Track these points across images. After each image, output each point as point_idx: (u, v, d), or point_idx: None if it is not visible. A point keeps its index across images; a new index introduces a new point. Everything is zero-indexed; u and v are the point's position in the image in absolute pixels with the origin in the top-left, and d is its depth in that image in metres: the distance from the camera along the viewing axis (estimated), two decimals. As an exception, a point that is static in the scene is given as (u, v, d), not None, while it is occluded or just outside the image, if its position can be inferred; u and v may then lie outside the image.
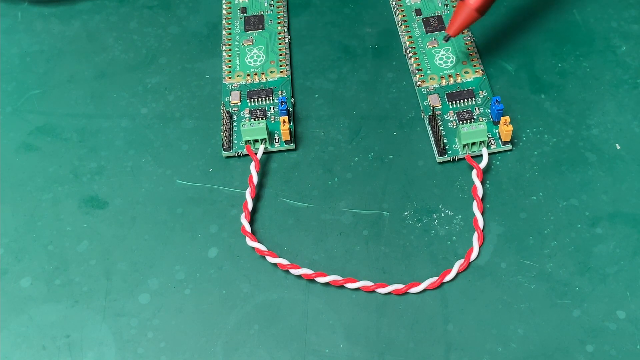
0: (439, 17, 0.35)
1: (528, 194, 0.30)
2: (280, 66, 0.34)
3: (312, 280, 0.28)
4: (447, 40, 0.32)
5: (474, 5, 0.30)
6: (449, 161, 0.31)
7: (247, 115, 0.33)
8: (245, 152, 0.31)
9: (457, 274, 0.28)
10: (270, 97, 0.33)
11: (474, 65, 0.33)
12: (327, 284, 0.28)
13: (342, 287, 0.28)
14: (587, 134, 0.31)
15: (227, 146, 0.32)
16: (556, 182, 0.30)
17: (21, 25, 0.38)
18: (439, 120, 0.32)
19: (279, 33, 0.36)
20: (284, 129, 0.31)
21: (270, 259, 0.28)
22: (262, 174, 0.31)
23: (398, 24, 0.36)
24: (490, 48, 0.35)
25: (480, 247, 0.28)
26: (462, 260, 0.28)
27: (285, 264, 0.28)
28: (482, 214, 0.29)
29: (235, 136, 0.32)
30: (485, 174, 0.30)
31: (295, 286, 0.28)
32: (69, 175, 0.32)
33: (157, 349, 0.27)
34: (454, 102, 0.32)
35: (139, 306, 0.28)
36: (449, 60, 0.34)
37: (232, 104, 0.33)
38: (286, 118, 0.31)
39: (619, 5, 0.36)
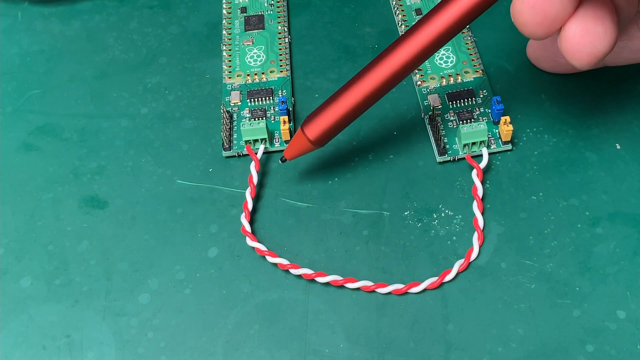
0: (439, 17, 0.35)
1: (528, 193, 0.30)
2: (281, 66, 0.34)
3: (312, 280, 0.28)
4: (283, 162, 0.30)
5: (311, 138, 0.28)
6: (449, 161, 0.31)
7: (247, 115, 0.33)
8: (245, 152, 0.31)
9: (457, 273, 0.28)
10: (271, 97, 0.33)
11: (474, 65, 0.33)
12: (327, 283, 0.28)
13: (342, 287, 0.28)
14: (587, 134, 0.31)
15: (227, 146, 0.32)
16: (556, 182, 0.30)
17: (21, 25, 0.38)
18: (439, 120, 0.32)
19: (279, 33, 0.36)
20: (284, 128, 0.31)
21: (270, 259, 0.28)
22: (262, 173, 0.31)
23: (398, 24, 0.36)
24: (490, 48, 0.35)
25: (480, 247, 0.28)
26: (462, 260, 0.28)
27: (286, 263, 0.28)
28: (482, 213, 0.29)
29: (235, 136, 0.32)
30: (485, 173, 0.30)
31: (295, 286, 0.28)
32: (69, 175, 0.32)
33: (157, 348, 0.27)
34: (454, 102, 0.32)
35: (139, 306, 0.28)
36: (450, 60, 0.34)
37: (232, 104, 0.33)
38: (286, 118, 0.31)
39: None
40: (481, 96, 0.32)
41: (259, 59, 0.35)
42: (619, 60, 0.30)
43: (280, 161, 0.30)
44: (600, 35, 0.24)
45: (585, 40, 0.24)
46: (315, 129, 0.28)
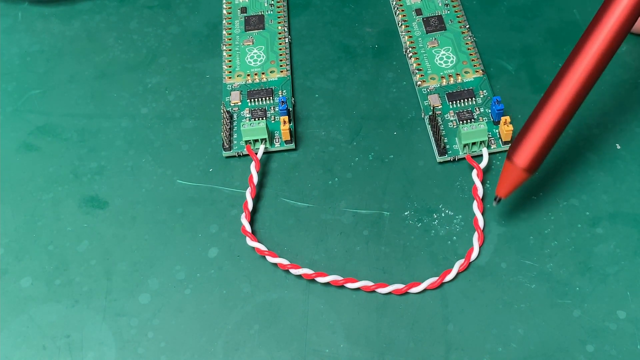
0: (439, 17, 0.35)
1: (528, 193, 0.30)
2: (281, 66, 0.34)
3: (313, 280, 0.28)
4: (497, 202, 0.28)
5: (522, 166, 0.27)
6: (449, 161, 0.31)
7: (247, 115, 0.33)
8: (245, 152, 0.31)
9: (458, 274, 0.28)
10: (271, 97, 0.33)
11: (474, 65, 0.33)
12: (327, 283, 0.28)
13: (342, 287, 0.28)
14: (587, 134, 0.31)
15: (227, 146, 0.32)
16: (556, 182, 0.30)
17: (21, 25, 0.38)
18: (439, 120, 0.32)
19: (279, 33, 0.36)
20: (284, 129, 0.31)
21: (270, 259, 0.28)
22: (262, 174, 0.31)
23: (398, 24, 0.36)
24: (490, 48, 0.35)
25: (480, 247, 0.28)
26: (462, 260, 0.28)
27: (286, 264, 0.28)
28: (483, 213, 0.29)
29: (235, 136, 0.32)
30: (485, 173, 0.30)
31: (295, 286, 0.28)
32: (69, 175, 0.32)
33: (157, 349, 0.27)
34: (454, 102, 0.32)
35: (139, 306, 0.28)
36: (450, 60, 0.34)
37: (232, 104, 0.33)
38: (286, 118, 0.31)
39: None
40: (481, 96, 0.32)
41: (259, 59, 0.35)
42: None
43: (495, 203, 0.28)
44: None
45: None
46: (525, 155, 0.27)
